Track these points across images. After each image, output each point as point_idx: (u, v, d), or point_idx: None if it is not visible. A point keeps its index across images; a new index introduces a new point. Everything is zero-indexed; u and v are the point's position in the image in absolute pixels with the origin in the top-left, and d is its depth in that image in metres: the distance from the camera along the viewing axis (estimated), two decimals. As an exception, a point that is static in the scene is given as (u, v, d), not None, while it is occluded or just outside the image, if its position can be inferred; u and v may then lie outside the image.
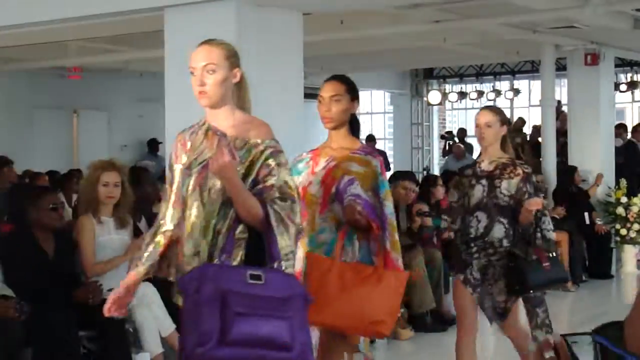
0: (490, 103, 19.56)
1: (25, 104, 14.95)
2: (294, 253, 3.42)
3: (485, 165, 5.24)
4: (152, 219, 6.31)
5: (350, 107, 4.45)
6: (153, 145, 16.08)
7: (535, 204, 5.01)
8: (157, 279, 5.95)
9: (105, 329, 5.31)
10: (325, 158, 4.42)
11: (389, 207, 4.29)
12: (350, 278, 4.07)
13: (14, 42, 10.23)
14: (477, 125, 5.22)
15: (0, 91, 14.46)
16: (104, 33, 10.02)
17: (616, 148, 12.59)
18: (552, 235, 5.21)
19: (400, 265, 4.31)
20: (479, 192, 5.18)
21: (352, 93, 4.47)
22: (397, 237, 4.32)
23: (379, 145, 17.77)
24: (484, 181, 5.18)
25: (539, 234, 5.16)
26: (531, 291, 5.15)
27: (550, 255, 5.10)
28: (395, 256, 4.29)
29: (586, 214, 10.92)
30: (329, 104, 4.41)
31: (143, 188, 6.33)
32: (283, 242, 3.35)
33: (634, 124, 15.92)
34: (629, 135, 13.74)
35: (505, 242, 5.11)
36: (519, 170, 5.15)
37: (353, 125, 4.50)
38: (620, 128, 13.57)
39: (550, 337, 3.79)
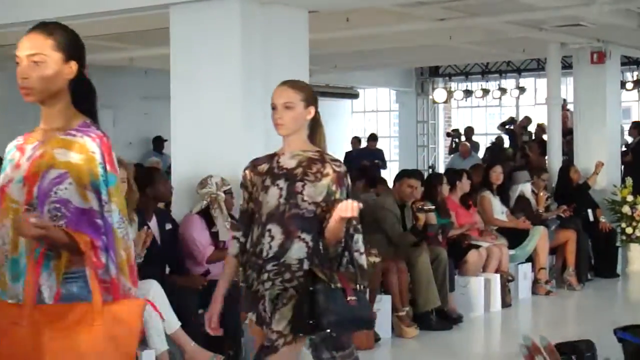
0: (496, 101, 19.59)
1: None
2: None
3: (285, 161, 3.87)
4: (164, 217, 6.35)
5: (63, 71, 2.97)
6: (158, 143, 16.11)
7: (347, 209, 3.60)
8: (163, 276, 5.97)
9: (110, 327, 5.30)
10: (33, 144, 3.00)
11: (114, 213, 2.93)
12: (47, 330, 2.78)
13: (19, 40, 10.24)
14: (272, 107, 3.89)
15: (4, 89, 14.45)
16: (110, 30, 10.03)
17: (626, 145, 12.56)
18: (363, 260, 3.87)
19: (134, 292, 2.98)
20: (274, 197, 3.81)
21: (67, 49, 2.97)
22: (124, 255, 2.94)
23: (385, 143, 17.74)
24: (281, 182, 3.82)
25: (345, 259, 3.79)
26: (327, 330, 3.65)
27: (358, 287, 3.70)
28: (124, 281, 2.94)
29: (589, 210, 10.87)
30: (27, 68, 2.95)
31: (155, 187, 6.32)
32: None
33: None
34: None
35: (305, 264, 3.75)
36: (329, 169, 3.80)
37: (78, 94, 3.03)
38: (636, 129, 13.57)
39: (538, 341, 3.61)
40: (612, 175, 11.65)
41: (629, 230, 11.09)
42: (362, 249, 3.90)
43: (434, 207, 7.96)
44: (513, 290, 9.08)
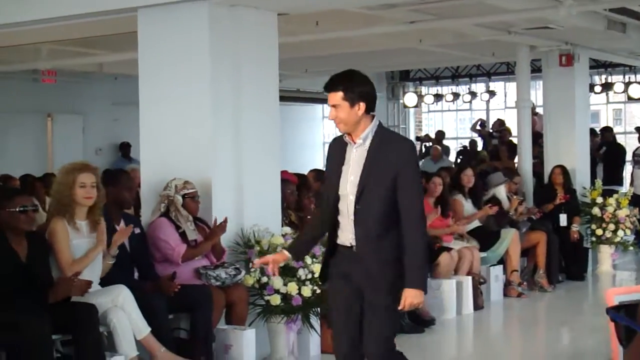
0: (466, 105, 19.66)
1: (-2, 108, 14.82)
2: None
3: None
4: (132, 222, 6.22)
5: None
6: (125, 149, 16.01)
7: None
8: (132, 282, 5.90)
9: (79, 333, 5.24)
10: None
11: None
12: None
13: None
14: None
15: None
16: (77, 35, 9.93)
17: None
18: None
19: None
20: None
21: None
22: None
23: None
24: None
25: None
26: None
27: None
28: None
29: (562, 215, 10.87)
30: None
31: (118, 189, 6.24)
32: None
33: (608, 125, 16.10)
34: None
35: None
36: None
37: None
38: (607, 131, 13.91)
39: None
40: (582, 178, 11.72)
41: (599, 231, 11.14)
42: None
43: None
44: (485, 292, 9.10)
